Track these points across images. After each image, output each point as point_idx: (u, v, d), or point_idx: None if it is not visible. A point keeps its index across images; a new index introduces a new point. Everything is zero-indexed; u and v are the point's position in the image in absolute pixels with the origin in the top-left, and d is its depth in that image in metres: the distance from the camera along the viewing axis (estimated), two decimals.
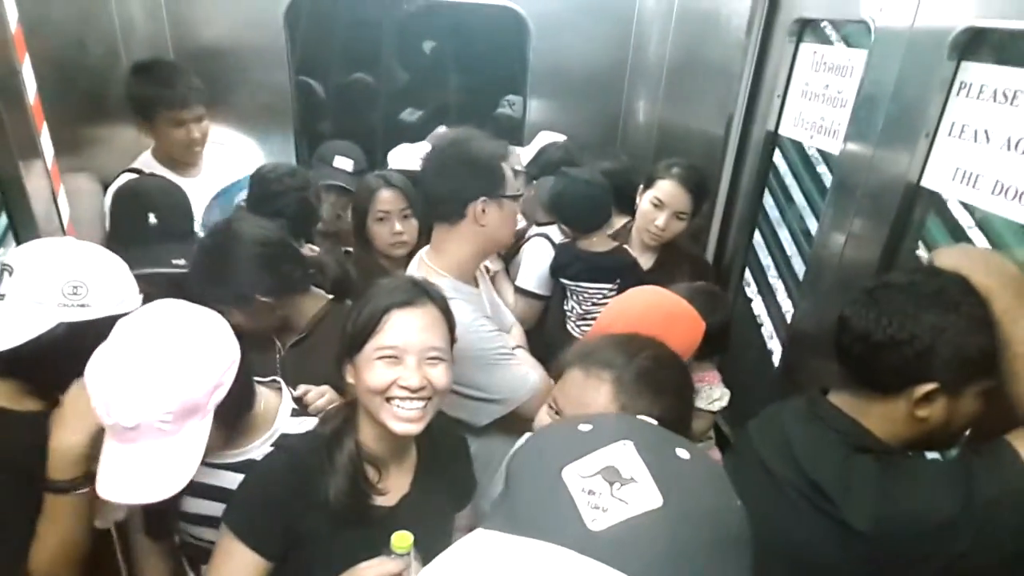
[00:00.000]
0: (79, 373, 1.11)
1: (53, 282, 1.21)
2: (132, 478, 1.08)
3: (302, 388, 1.46)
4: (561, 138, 2.51)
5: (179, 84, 2.25)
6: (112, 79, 2.40)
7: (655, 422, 0.63)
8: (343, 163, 2.46)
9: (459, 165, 1.58)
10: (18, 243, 1.99)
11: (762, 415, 1.38)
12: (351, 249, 2.37)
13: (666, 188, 2.12)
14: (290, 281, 1.65)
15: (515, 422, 1.63)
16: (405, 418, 1.17)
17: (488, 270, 2.04)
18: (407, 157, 2.55)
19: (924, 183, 1.47)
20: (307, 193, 2.08)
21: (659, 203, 2.12)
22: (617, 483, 0.51)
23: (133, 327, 1.11)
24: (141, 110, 2.28)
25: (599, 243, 2.15)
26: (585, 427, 0.58)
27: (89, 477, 1.17)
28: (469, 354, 1.49)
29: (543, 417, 1.21)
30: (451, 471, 1.39)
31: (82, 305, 1.22)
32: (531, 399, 1.61)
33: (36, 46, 1.89)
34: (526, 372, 1.65)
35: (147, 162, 2.37)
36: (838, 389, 1.22)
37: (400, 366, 1.18)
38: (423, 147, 2.59)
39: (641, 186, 2.20)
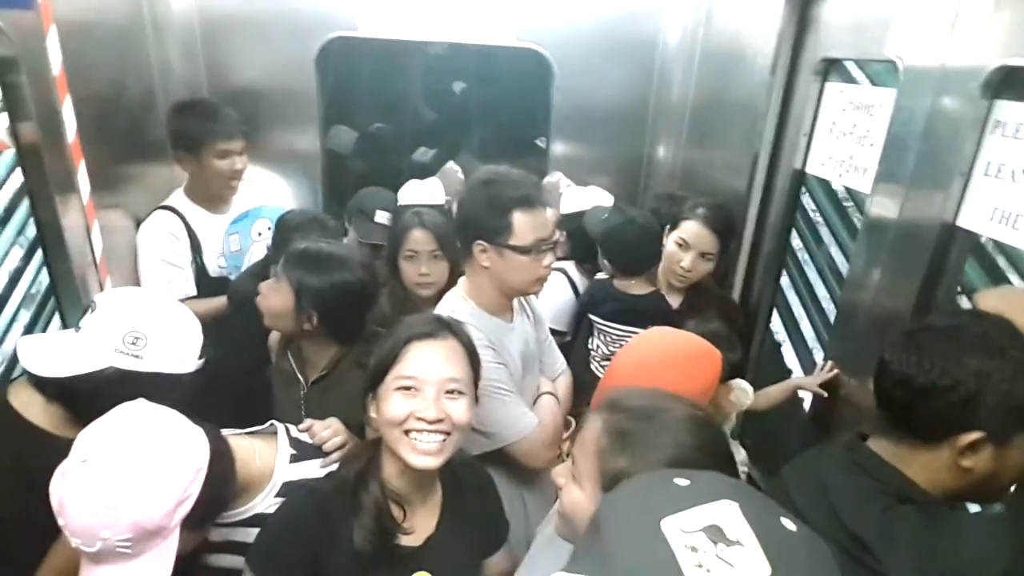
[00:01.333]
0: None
1: (118, 328, 1.28)
2: None
3: (306, 423, 1.45)
4: (610, 200, 2.49)
5: (225, 118, 2.36)
6: (148, 119, 2.48)
7: (750, 487, 0.61)
8: (383, 217, 2.45)
9: (470, 206, 1.60)
10: (51, 275, 2.04)
11: (797, 461, 1.32)
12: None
13: (691, 229, 2.10)
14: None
15: (510, 459, 1.61)
16: (423, 451, 1.16)
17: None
18: (417, 193, 2.56)
19: (960, 223, 1.44)
20: (328, 236, 2.09)
21: (684, 244, 2.10)
22: (722, 543, 0.49)
23: (92, 442, 1.05)
24: (185, 144, 2.35)
25: (637, 286, 2.13)
26: (682, 481, 0.56)
27: None
28: None
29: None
30: (479, 514, 1.36)
31: (136, 356, 1.28)
32: (521, 442, 1.59)
33: (77, 87, 1.96)
34: (521, 413, 1.62)
35: (179, 199, 2.42)
36: (877, 435, 1.17)
37: (418, 398, 1.17)
38: (433, 183, 2.61)
39: (667, 227, 2.19)
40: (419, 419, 1.16)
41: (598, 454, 0.96)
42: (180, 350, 1.34)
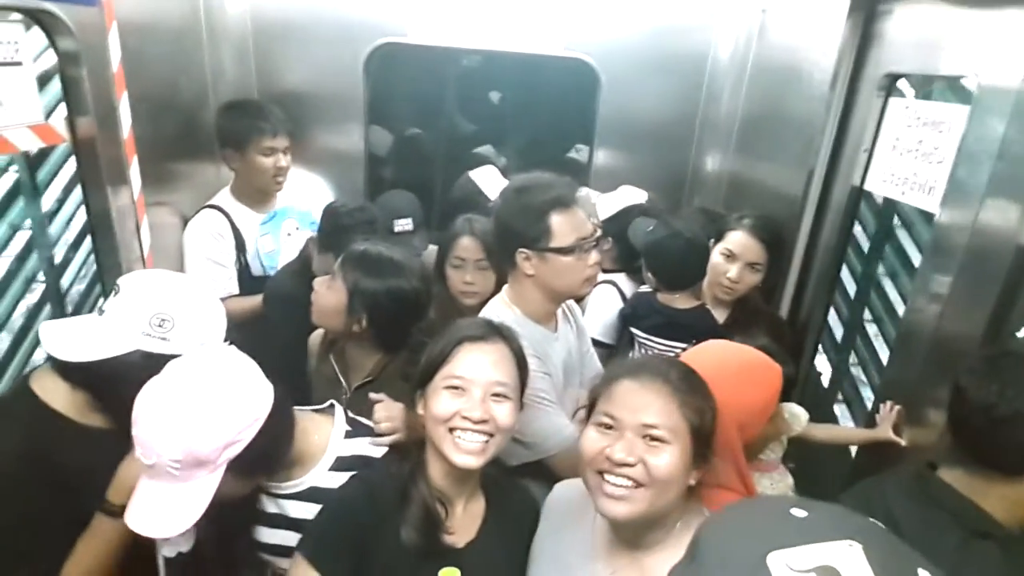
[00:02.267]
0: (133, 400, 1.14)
1: (144, 311, 1.26)
2: (147, 512, 1.12)
3: (379, 396, 1.47)
4: (643, 196, 2.44)
5: (269, 116, 2.41)
6: (200, 119, 2.52)
7: (883, 526, 0.54)
8: (404, 225, 2.39)
9: (506, 215, 1.59)
10: (100, 267, 2.07)
11: (856, 490, 1.26)
12: None
13: (737, 239, 2.05)
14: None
15: (549, 472, 1.56)
16: (466, 450, 1.18)
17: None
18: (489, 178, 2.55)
19: None
20: (376, 227, 2.12)
21: (730, 254, 2.05)
22: None
23: (175, 371, 1.15)
24: (233, 141, 2.39)
25: (682, 299, 2.07)
26: (799, 512, 0.51)
27: None
28: None
29: (591, 434, 1.13)
30: (521, 534, 1.33)
31: (163, 339, 1.27)
32: (562, 454, 1.55)
33: (134, 84, 1.99)
34: (563, 424, 1.58)
35: (225, 198, 2.45)
36: (949, 465, 1.11)
37: (465, 397, 1.20)
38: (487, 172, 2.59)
39: (712, 240, 2.13)
40: (464, 418, 1.18)
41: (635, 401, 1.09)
42: (206, 332, 1.33)
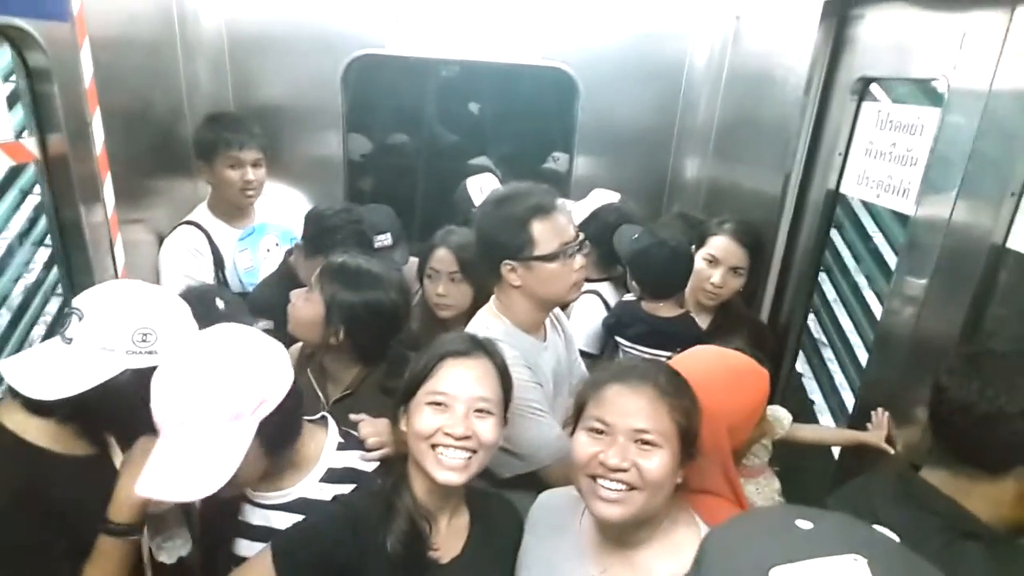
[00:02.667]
0: (142, 418, 1.14)
1: (123, 329, 1.21)
2: (172, 476, 1.10)
3: (360, 415, 1.47)
4: (615, 196, 2.45)
5: (240, 128, 2.37)
6: (175, 134, 2.49)
7: (896, 537, 0.53)
8: (383, 241, 2.34)
9: (488, 228, 1.59)
10: (72, 287, 2.02)
11: (842, 492, 1.27)
12: None
13: (720, 244, 2.06)
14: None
15: (543, 483, 1.54)
16: (448, 466, 1.17)
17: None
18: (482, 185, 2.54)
19: (1011, 244, 1.39)
20: (362, 226, 2.12)
21: (713, 259, 2.06)
22: None
23: (204, 335, 1.21)
24: (202, 153, 2.36)
25: (666, 308, 2.07)
26: (804, 524, 0.50)
27: (141, 526, 1.23)
28: None
29: (582, 439, 1.14)
30: (507, 551, 1.32)
31: (150, 352, 1.22)
32: (554, 465, 1.53)
33: (107, 100, 1.96)
34: (556, 435, 1.56)
35: (203, 214, 2.41)
36: (932, 466, 1.11)
37: (447, 413, 1.19)
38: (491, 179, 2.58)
39: (692, 246, 2.14)
40: (447, 434, 1.17)
41: (625, 404, 1.12)
42: (186, 333, 1.30)
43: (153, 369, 1.18)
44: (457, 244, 2.03)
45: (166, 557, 1.32)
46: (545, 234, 1.54)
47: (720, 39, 2.64)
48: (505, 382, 1.28)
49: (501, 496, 1.43)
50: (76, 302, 1.25)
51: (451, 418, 1.18)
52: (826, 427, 2.10)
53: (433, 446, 1.18)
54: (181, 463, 1.10)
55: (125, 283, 1.37)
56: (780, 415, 1.81)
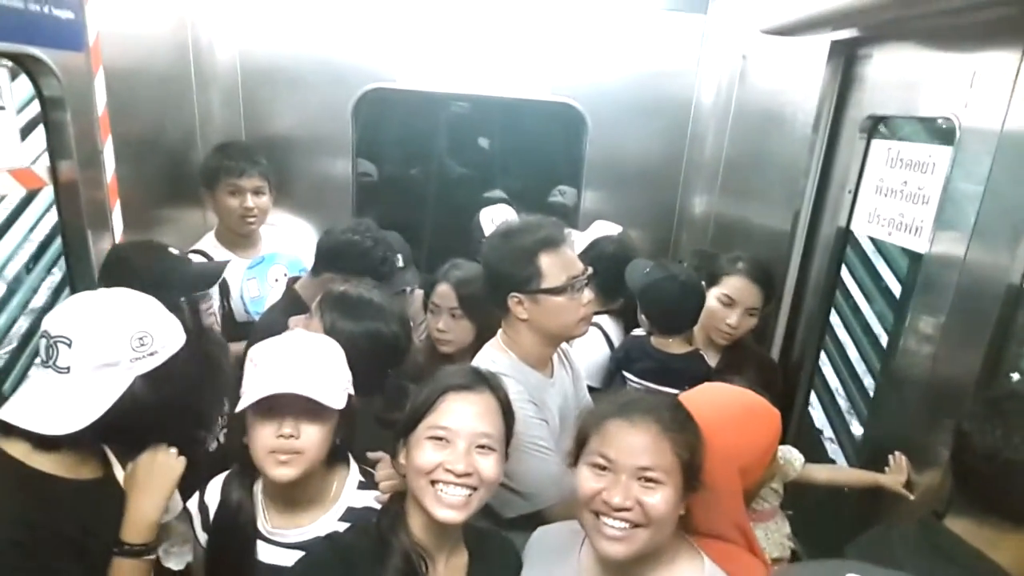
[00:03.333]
0: (163, 422, 1.18)
1: (119, 340, 1.17)
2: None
3: (379, 454, 1.45)
4: (616, 229, 2.45)
5: (241, 157, 2.38)
6: (187, 163, 2.51)
7: None
8: (396, 260, 2.31)
9: (495, 260, 1.58)
10: None
11: (862, 541, 1.21)
12: None
13: (736, 284, 2.01)
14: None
15: (548, 521, 1.49)
16: (448, 503, 1.14)
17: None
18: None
19: None
20: (376, 235, 2.11)
21: (729, 300, 2.01)
22: None
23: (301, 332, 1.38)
24: (206, 180, 2.38)
25: (676, 345, 2.04)
26: None
27: (157, 544, 1.24)
28: None
29: (585, 473, 1.12)
30: None
31: (152, 353, 1.20)
32: (560, 505, 1.48)
33: (120, 128, 1.98)
34: (562, 473, 1.50)
35: (210, 243, 2.42)
36: (956, 514, 1.07)
37: (449, 449, 1.16)
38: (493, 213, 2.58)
39: (703, 283, 2.11)
40: (447, 471, 1.14)
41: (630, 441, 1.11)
42: (175, 322, 1.28)
43: (159, 368, 1.19)
44: (457, 279, 1.99)
45: (175, 563, 1.31)
46: (553, 267, 1.52)
47: (727, 77, 2.67)
48: (508, 417, 1.25)
49: (501, 535, 1.38)
50: (55, 330, 1.17)
51: (452, 454, 1.15)
52: (841, 468, 2.05)
53: (433, 482, 1.14)
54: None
55: (90, 296, 1.27)
56: (792, 456, 1.77)
